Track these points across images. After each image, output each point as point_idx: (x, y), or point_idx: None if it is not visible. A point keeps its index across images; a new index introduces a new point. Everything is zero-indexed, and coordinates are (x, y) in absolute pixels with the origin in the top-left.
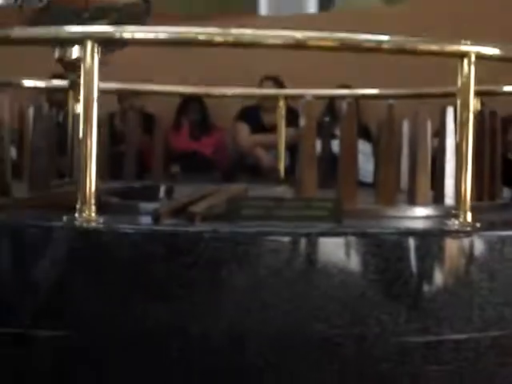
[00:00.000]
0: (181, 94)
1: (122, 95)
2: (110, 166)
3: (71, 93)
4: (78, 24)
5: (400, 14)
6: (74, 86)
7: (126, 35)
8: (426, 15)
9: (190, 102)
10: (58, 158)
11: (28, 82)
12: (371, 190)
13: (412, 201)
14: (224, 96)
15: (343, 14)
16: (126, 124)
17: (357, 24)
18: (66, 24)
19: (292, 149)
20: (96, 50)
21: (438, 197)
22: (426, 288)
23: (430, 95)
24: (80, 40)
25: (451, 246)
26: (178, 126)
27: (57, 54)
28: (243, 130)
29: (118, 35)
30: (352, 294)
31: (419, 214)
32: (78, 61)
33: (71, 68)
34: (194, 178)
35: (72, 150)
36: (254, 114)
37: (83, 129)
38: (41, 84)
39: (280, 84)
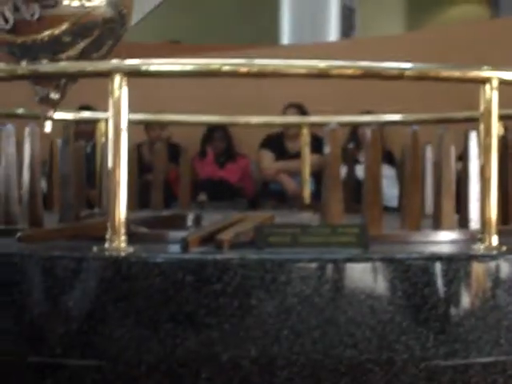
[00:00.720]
0: (206, 124)
1: (148, 126)
2: (137, 196)
3: (99, 124)
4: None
5: (421, 39)
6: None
7: (153, 68)
8: (447, 40)
9: (214, 131)
10: (86, 189)
11: (57, 114)
12: (396, 214)
13: (437, 225)
14: (248, 124)
15: (364, 41)
16: (153, 154)
17: (378, 50)
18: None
19: (316, 175)
20: (124, 83)
21: (463, 221)
22: (453, 312)
23: (453, 120)
24: (108, 73)
25: (477, 269)
26: (203, 154)
27: (40, 94)
28: (268, 156)
29: (145, 68)
30: (380, 320)
31: (445, 239)
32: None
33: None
34: (220, 206)
35: (100, 181)
36: (278, 142)
37: (112, 159)
38: (69, 116)
39: (303, 111)
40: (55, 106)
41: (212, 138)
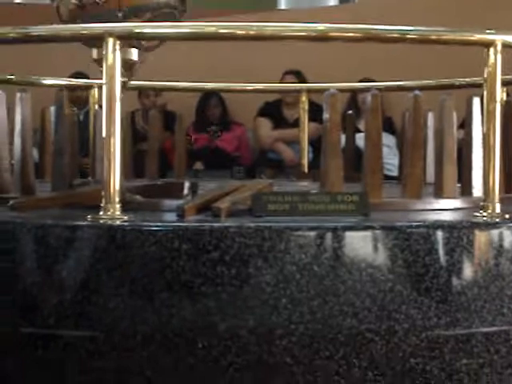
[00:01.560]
0: (200, 91)
1: (142, 93)
2: (132, 164)
3: (92, 91)
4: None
5: (422, 3)
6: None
7: (147, 31)
8: (449, 4)
9: (209, 97)
10: (79, 157)
11: (48, 81)
12: (396, 183)
13: (439, 193)
14: (245, 91)
15: (364, 6)
16: (147, 122)
17: (379, 15)
18: None
19: (314, 143)
20: (117, 47)
21: (465, 189)
22: (455, 281)
23: (455, 86)
24: (101, 36)
25: (480, 238)
26: (198, 122)
27: (95, 55)
28: (265, 125)
29: (138, 31)
30: (380, 289)
31: (447, 207)
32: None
33: None
34: (216, 175)
35: (94, 149)
36: (275, 109)
37: (107, 127)
38: (61, 82)
39: (302, 78)
40: None
41: (207, 106)
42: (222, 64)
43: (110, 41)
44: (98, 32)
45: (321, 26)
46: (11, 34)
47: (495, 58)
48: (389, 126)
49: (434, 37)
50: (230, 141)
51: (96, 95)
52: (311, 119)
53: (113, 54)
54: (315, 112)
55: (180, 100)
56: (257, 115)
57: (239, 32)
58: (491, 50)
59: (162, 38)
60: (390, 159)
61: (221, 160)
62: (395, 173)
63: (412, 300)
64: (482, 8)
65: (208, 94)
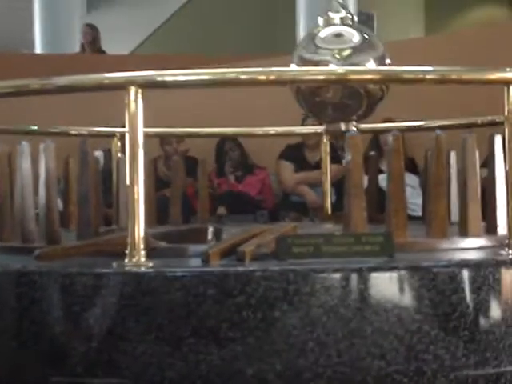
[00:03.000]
0: (222, 136)
1: (164, 140)
2: (155, 211)
3: (115, 139)
4: None
5: (439, 43)
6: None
7: (169, 79)
8: (465, 43)
9: (225, 143)
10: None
11: (72, 130)
12: (420, 223)
13: (464, 232)
14: (267, 135)
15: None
16: (169, 168)
17: (396, 55)
18: None
19: (337, 185)
20: (139, 95)
21: (489, 227)
22: (482, 320)
23: (476, 125)
24: (123, 85)
25: (506, 275)
26: (219, 169)
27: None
28: (287, 168)
29: (160, 79)
30: (407, 329)
31: (472, 246)
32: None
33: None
34: (240, 219)
35: (117, 197)
36: (297, 152)
37: (130, 175)
38: (85, 131)
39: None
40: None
41: (224, 151)
42: (242, 107)
43: (132, 89)
44: (120, 81)
45: (340, 69)
46: (35, 86)
47: None
48: (411, 167)
49: (454, 76)
50: (253, 185)
51: (118, 143)
52: (333, 161)
53: (135, 102)
54: (337, 154)
55: (201, 145)
56: (279, 158)
57: (260, 77)
58: (511, 87)
59: (184, 86)
60: (414, 199)
61: (244, 204)
62: (419, 212)
63: (440, 340)
64: (498, 45)
65: (224, 139)
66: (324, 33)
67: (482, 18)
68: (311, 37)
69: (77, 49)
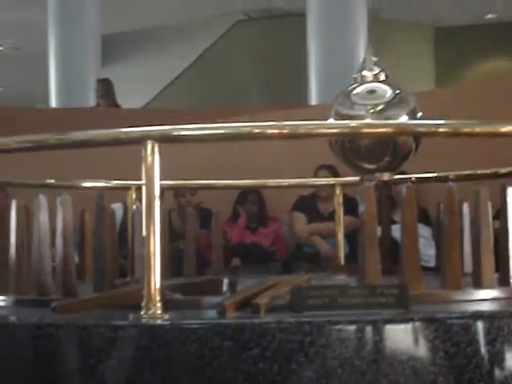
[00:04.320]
0: (236, 188)
1: (178, 192)
2: (170, 263)
3: (130, 192)
4: None
5: (451, 95)
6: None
7: (185, 133)
8: (477, 96)
9: (248, 194)
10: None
11: (87, 183)
12: (434, 274)
13: (477, 283)
14: (281, 187)
15: None
16: (183, 220)
17: None
18: None
19: (350, 236)
20: (156, 149)
21: (503, 278)
22: (498, 371)
23: (488, 176)
24: (140, 140)
25: None
26: (235, 218)
27: (380, 177)
28: (300, 219)
29: (176, 133)
30: (423, 381)
31: (486, 297)
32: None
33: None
34: (254, 270)
35: (132, 248)
36: (310, 203)
37: (146, 227)
38: (100, 185)
39: (335, 172)
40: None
41: (245, 201)
42: (255, 160)
43: (149, 144)
44: (137, 136)
45: (353, 123)
46: (52, 141)
47: None
48: (424, 217)
49: (466, 129)
50: (267, 236)
51: (133, 195)
52: (346, 212)
53: (151, 156)
54: (350, 205)
55: (215, 197)
56: (292, 209)
57: (273, 132)
58: None
59: (200, 140)
60: (427, 250)
61: (257, 255)
62: (432, 263)
63: None
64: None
65: (247, 191)
66: (358, 89)
67: (494, 70)
68: (347, 93)
69: (92, 103)
